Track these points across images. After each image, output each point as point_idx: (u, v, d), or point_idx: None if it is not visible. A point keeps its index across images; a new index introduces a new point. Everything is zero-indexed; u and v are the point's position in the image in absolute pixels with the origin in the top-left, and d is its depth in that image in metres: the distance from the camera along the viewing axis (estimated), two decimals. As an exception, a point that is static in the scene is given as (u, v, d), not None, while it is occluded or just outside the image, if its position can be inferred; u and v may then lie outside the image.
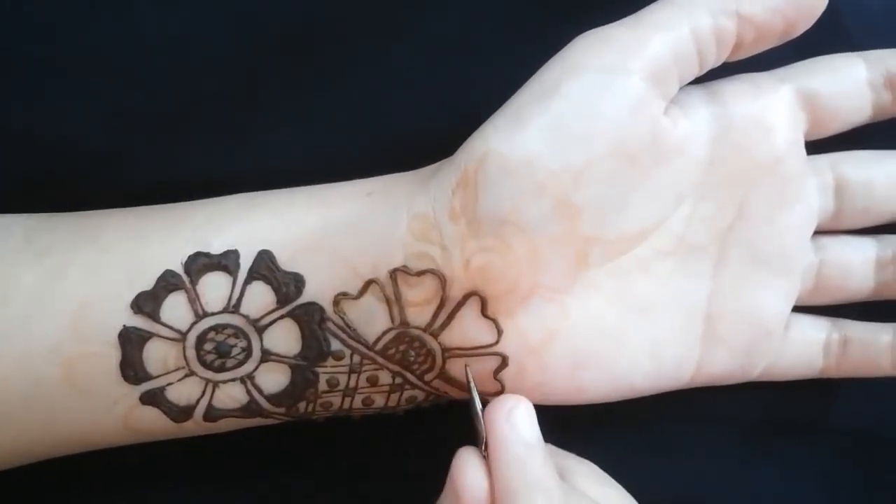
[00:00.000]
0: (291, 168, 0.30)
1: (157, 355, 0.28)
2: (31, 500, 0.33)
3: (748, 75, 0.30)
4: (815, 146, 0.31)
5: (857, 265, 0.31)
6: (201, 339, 0.28)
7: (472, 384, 0.29)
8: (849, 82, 0.30)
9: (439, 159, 0.29)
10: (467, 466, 0.27)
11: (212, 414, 0.29)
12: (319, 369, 0.29)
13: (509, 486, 0.26)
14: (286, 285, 0.28)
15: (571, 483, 0.27)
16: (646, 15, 0.28)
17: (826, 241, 0.31)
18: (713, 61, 0.28)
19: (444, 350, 0.29)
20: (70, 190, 0.31)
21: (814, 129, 0.30)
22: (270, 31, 0.31)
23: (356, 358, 0.29)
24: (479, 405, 0.28)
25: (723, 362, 0.31)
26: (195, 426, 0.30)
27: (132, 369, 0.28)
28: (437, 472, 0.27)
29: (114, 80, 0.30)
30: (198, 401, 0.29)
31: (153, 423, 0.29)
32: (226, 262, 0.28)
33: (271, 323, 0.29)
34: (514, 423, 0.27)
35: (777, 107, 0.30)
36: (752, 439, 0.32)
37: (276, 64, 0.31)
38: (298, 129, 0.31)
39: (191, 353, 0.28)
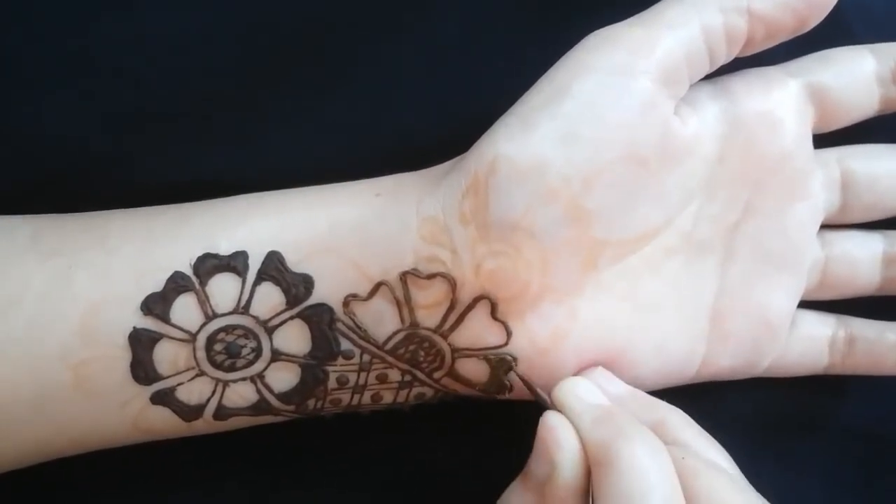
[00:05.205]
0: (296, 169, 0.30)
1: (168, 356, 0.28)
2: (31, 500, 0.33)
3: (756, 70, 0.30)
4: (821, 139, 0.31)
5: (863, 261, 0.31)
6: (211, 339, 0.28)
7: (536, 387, 0.28)
8: (857, 76, 0.30)
9: (445, 160, 0.29)
10: (557, 426, 0.26)
11: (222, 413, 0.29)
12: (329, 368, 0.29)
13: (600, 442, 0.25)
14: (295, 286, 0.28)
15: (672, 436, 0.27)
16: (656, 13, 0.28)
17: (832, 236, 0.31)
18: (723, 59, 0.28)
19: (454, 350, 0.29)
20: (73, 192, 0.30)
21: (822, 122, 0.30)
22: (275, 32, 0.30)
23: (366, 357, 0.29)
24: (547, 398, 0.28)
25: (728, 358, 0.31)
26: (205, 425, 0.30)
27: (142, 370, 0.28)
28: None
29: (117, 81, 0.30)
30: (208, 400, 0.29)
31: (163, 422, 0.29)
32: (235, 264, 0.28)
33: (281, 324, 0.29)
34: (579, 395, 0.27)
35: (786, 101, 0.29)
36: (754, 436, 0.32)
37: (280, 65, 0.30)
38: (303, 129, 0.31)
39: (201, 353, 0.28)
